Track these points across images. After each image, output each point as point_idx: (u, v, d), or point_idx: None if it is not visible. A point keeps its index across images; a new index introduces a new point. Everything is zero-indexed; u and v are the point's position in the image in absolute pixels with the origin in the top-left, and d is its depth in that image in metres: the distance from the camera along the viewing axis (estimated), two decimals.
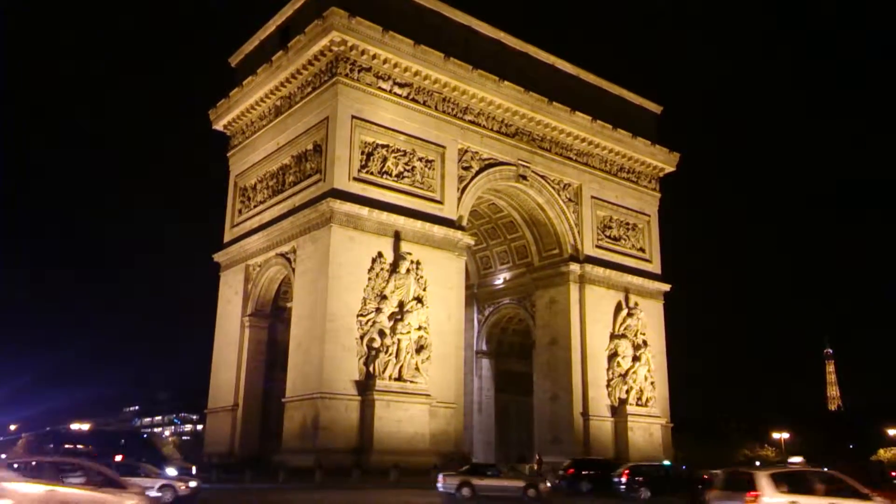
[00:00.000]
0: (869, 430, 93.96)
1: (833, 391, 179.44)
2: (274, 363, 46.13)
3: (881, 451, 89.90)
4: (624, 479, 32.22)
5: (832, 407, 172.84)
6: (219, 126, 52.39)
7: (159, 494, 25.07)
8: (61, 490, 13.80)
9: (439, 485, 31.07)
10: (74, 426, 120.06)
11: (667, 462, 44.75)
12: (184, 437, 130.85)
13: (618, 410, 50.35)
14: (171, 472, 28.61)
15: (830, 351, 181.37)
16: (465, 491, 30.07)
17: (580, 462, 37.74)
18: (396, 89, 44.13)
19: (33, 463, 16.43)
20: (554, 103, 50.82)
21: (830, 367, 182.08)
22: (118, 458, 32.64)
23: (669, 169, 58.84)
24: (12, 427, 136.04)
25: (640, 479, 32.21)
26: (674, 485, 32.66)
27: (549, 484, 32.76)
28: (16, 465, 15.73)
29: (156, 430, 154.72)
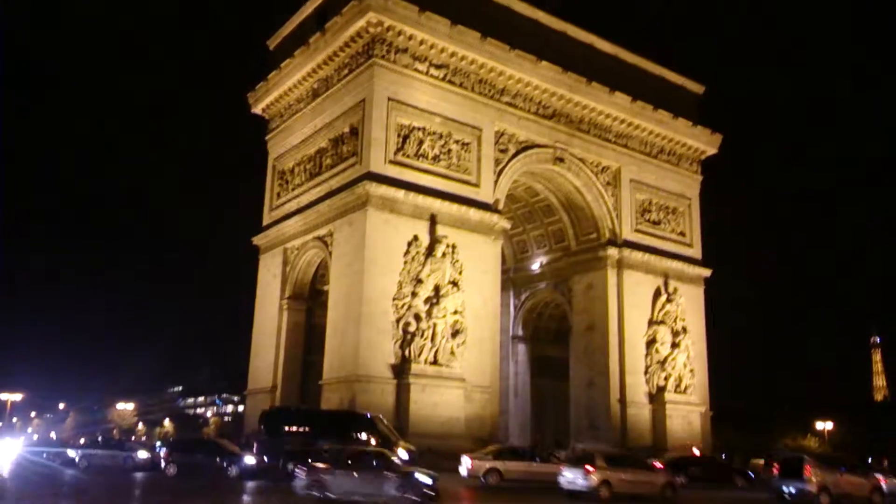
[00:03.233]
0: None
1: (880, 381, 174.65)
2: (311, 346, 46.55)
3: None
4: None
5: (878, 397, 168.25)
6: (257, 109, 52.63)
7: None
8: None
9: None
10: (120, 406, 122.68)
11: None
12: (225, 418, 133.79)
13: (656, 397, 49.61)
14: (403, 455, 27.52)
15: (878, 339, 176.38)
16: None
17: None
18: (433, 70, 43.72)
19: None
20: (593, 83, 49.83)
21: (877, 356, 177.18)
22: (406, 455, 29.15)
23: (711, 151, 57.30)
24: (60, 405, 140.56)
25: None
26: None
27: None
28: None
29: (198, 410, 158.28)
